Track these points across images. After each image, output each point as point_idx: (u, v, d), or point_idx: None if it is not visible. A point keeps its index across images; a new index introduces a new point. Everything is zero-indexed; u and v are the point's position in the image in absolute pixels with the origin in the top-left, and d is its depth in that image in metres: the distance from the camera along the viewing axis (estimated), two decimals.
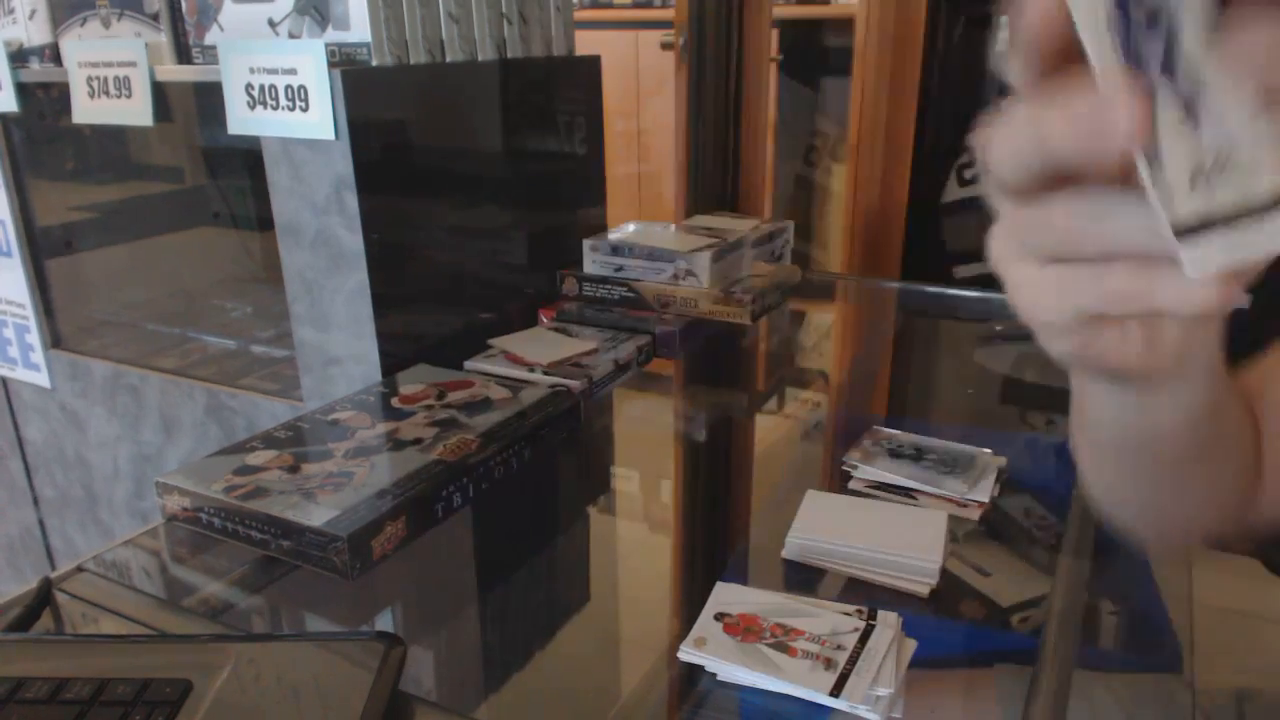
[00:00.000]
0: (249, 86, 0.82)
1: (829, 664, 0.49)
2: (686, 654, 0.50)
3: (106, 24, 0.98)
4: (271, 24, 0.86)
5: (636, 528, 0.74)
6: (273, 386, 1.01)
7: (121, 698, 0.41)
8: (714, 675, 0.50)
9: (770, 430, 0.90)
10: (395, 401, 0.79)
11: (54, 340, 1.18)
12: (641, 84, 2.63)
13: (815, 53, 2.56)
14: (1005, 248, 0.29)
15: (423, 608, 0.62)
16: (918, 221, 1.75)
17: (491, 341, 0.95)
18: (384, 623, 0.59)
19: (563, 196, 1.10)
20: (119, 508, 1.20)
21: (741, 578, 0.60)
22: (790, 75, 2.53)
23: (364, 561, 0.59)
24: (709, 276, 1.01)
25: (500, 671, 0.55)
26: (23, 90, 1.05)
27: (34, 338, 1.18)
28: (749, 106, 1.40)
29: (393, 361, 0.87)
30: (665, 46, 1.35)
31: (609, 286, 1.05)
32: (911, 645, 0.51)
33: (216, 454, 0.69)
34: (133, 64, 0.92)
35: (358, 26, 0.81)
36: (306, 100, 0.79)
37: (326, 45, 0.79)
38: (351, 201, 0.81)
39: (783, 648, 0.50)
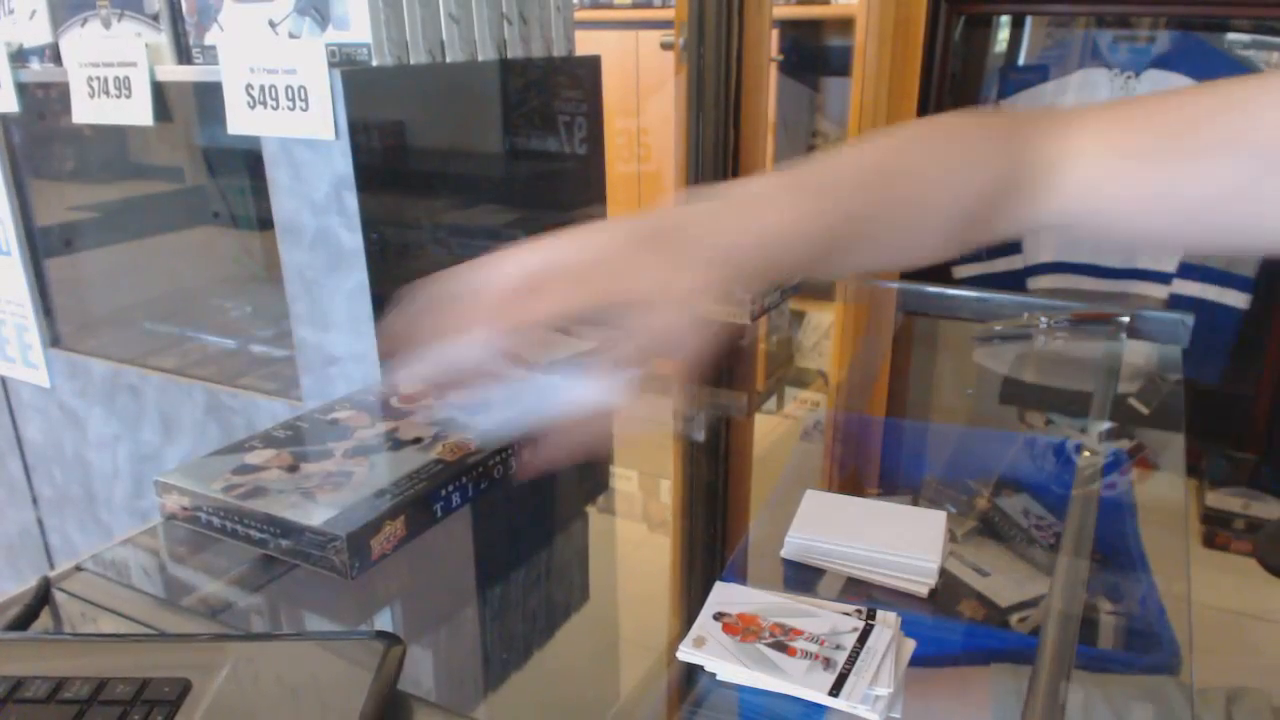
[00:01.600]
0: (249, 86, 0.82)
1: (828, 664, 0.49)
2: (685, 654, 0.50)
3: (107, 24, 0.98)
4: (272, 24, 0.86)
5: (636, 527, 0.74)
6: (272, 386, 1.01)
7: (120, 697, 0.41)
8: (713, 675, 0.50)
9: (770, 430, 0.90)
10: (394, 401, 0.79)
11: (53, 339, 1.18)
12: (641, 84, 2.64)
13: (815, 52, 2.56)
14: None
15: (422, 607, 0.62)
16: None
17: None
18: (383, 622, 0.59)
19: (563, 196, 1.10)
20: (118, 507, 1.20)
21: (740, 578, 0.60)
22: (790, 75, 2.53)
23: (363, 561, 0.59)
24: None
25: (499, 671, 0.55)
26: (23, 90, 1.05)
27: (33, 336, 1.18)
28: (749, 106, 1.40)
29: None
30: (665, 46, 1.35)
31: None
32: (910, 645, 0.51)
33: (215, 453, 0.69)
34: (133, 64, 0.92)
35: (358, 27, 0.81)
36: (306, 100, 0.79)
37: (326, 45, 0.79)
38: (351, 201, 0.81)
39: (781, 648, 0.50)
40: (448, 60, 0.90)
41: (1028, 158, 0.47)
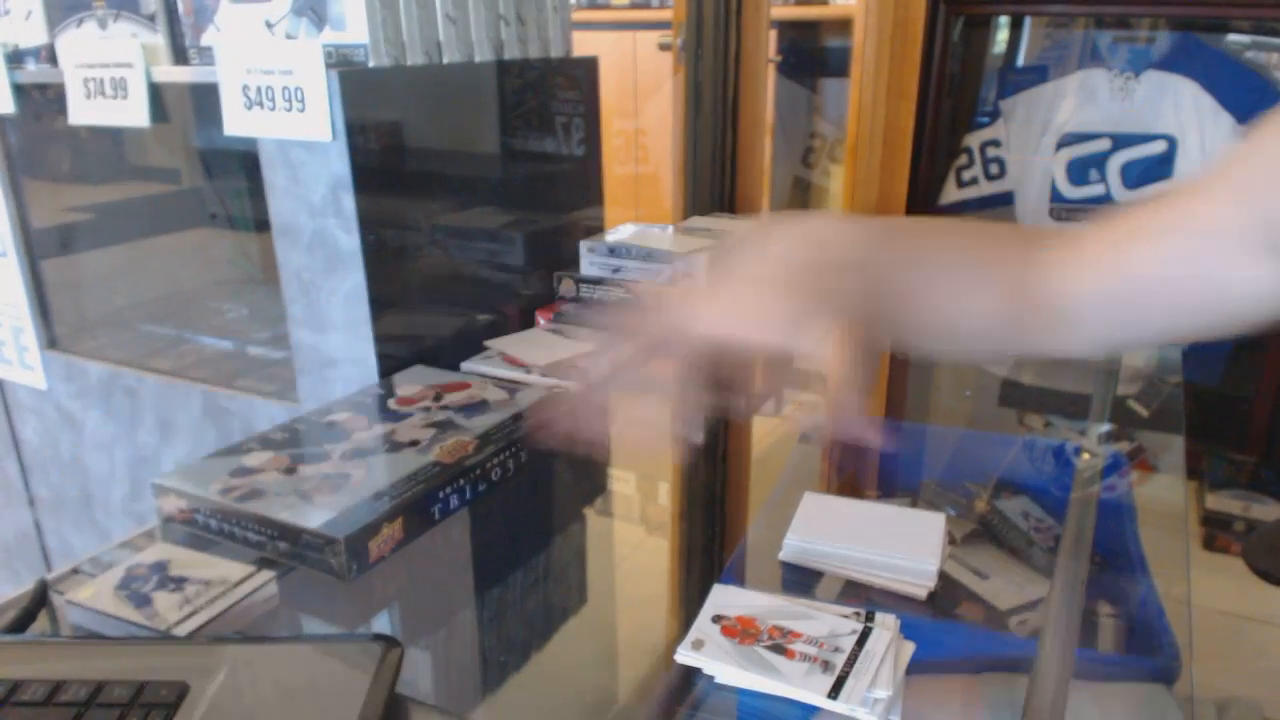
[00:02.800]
0: (246, 87, 0.82)
1: (826, 666, 0.48)
2: (684, 656, 0.50)
3: (103, 25, 0.97)
4: (268, 25, 0.85)
5: (634, 530, 0.74)
6: (269, 388, 1.01)
7: (118, 700, 0.41)
8: (711, 678, 0.49)
9: (768, 432, 0.90)
10: (392, 403, 0.79)
11: (50, 341, 1.18)
12: (639, 85, 2.64)
13: (813, 53, 2.56)
14: None
15: (420, 610, 0.62)
16: None
17: (489, 343, 0.95)
18: (381, 625, 0.59)
19: (560, 198, 1.10)
20: (115, 509, 1.20)
21: (739, 580, 0.60)
22: (788, 76, 2.53)
23: (361, 563, 0.59)
24: (707, 278, 1.01)
25: (497, 674, 0.55)
26: (19, 91, 1.05)
27: (29, 338, 1.18)
28: (747, 107, 1.40)
29: (390, 363, 0.86)
30: (663, 47, 1.35)
31: (606, 288, 1.05)
32: (909, 648, 0.51)
33: (213, 455, 0.69)
34: (129, 65, 0.92)
35: (354, 27, 0.81)
36: (303, 101, 0.79)
37: (323, 46, 0.79)
38: (348, 202, 0.80)
39: (780, 650, 0.50)
40: (445, 61, 0.90)
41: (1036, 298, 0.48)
